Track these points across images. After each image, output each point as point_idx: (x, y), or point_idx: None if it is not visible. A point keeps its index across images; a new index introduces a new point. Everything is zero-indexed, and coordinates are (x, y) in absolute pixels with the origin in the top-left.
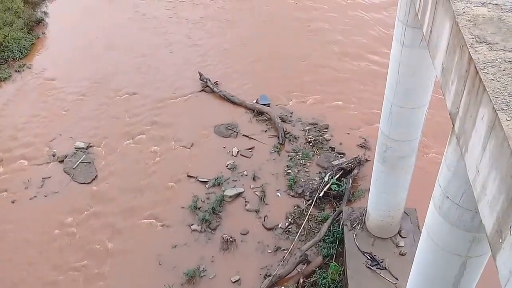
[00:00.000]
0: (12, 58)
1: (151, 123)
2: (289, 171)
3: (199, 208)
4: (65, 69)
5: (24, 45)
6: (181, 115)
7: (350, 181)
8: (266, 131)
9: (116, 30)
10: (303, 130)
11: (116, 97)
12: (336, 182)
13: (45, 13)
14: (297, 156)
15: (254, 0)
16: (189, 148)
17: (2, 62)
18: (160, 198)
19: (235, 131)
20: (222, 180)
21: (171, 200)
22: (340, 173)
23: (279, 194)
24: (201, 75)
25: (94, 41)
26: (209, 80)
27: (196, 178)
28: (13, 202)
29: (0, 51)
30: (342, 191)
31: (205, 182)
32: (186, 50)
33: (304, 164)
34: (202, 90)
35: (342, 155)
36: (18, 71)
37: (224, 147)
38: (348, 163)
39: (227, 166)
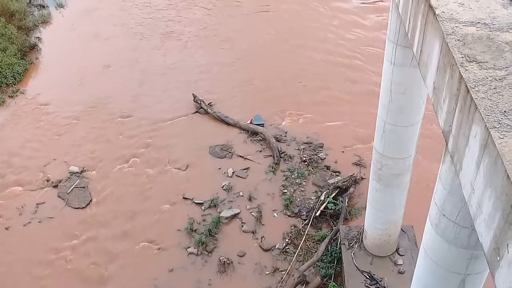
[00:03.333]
0: (6, 83)
1: (146, 146)
2: (285, 190)
3: (195, 231)
4: (59, 93)
5: (17, 71)
6: (176, 137)
7: (346, 200)
8: (261, 151)
9: (109, 54)
10: (298, 149)
11: (109, 120)
12: (333, 201)
13: (39, 38)
14: (293, 176)
15: (249, 21)
16: (184, 170)
17: None
18: (156, 221)
19: (230, 152)
20: (218, 201)
21: (167, 223)
22: (336, 192)
23: (275, 214)
24: (195, 97)
25: (87, 66)
26: (203, 102)
27: (192, 200)
28: (6, 229)
29: None
30: (338, 209)
31: (201, 204)
32: (180, 72)
33: (300, 184)
34: (196, 112)
35: (337, 174)
36: (12, 96)
37: (219, 168)
38: (343, 182)
39: (222, 187)
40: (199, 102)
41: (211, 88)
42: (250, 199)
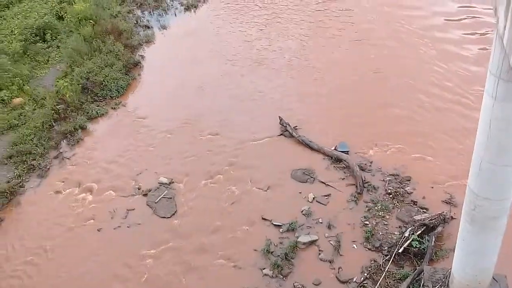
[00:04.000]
0: (110, 96)
1: (230, 164)
2: (367, 222)
3: (271, 252)
4: (156, 109)
5: (121, 85)
6: (259, 158)
7: (433, 239)
8: (343, 179)
9: (203, 75)
10: (383, 180)
11: (200, 137)
12: (418, 239)
13: (142, 56)
14: (376, 208)
15: (342, 52)
16: (265, 191)
17: (101, 99)
18: (234, 238)
19: (312, 177)
20: (297, 225)
21: (244, 241)
22: (422, 230)
23: (354, 245)
24: (281, 119)
25: (182, 85)
26: (289, 125)
27: (271, 221)
28: (98, 230)
29: (100, 89)
30: (423, 248)
31: (279, 226)
32: (268, 97)
33: (383, 217)
34: (281, 134)
35: (425, 210)
36: (114, 108)
37: (300, 192)
38: (431, 219)
39: (302, 211)
40: (284, 125)
41: (298, 113)
42: (329, 227)
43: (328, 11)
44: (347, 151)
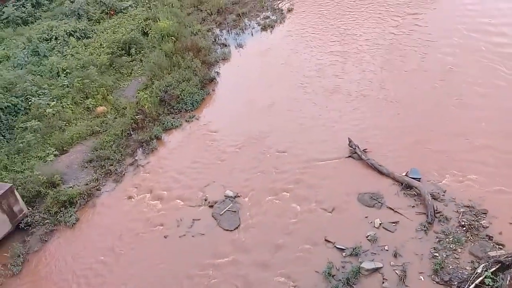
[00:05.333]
0: (185, 109)
1: (296, 182)
2: (436, 254)
3: (333, 276)
4: (227, 123)
5: (196, 99)
6: (325, 178)
7: (508, 278)
8: (413, 206)
9: (274, 94)
10: (457, 212)
11: (267, 154)
12: (491, 276)
13: (218, 73)
14: (447, 240)
15: (411, 71)
16: (330, 212)
17: (177, 112)
18: (295, 257)
19: (379, 202)
20: (361, 250)
21: (305, 261)
22: (497, 267)
23: (422, 277)
24: (350, 141)
25: (253, 102)
26: (358, 147)
27: (334, 244)
28: (165, 237)
29: (177, 103)
30: (497, 287)
31: (342, 250)
32: (337, 118)
33: (455, 250)
34: (350, 156)
35: (501, 247)
36: (188, 121)
37: (366, 217)
38: (507, 257)
39: (367, 237)
40: (353, 147)
41: (368, 136)
42: (395, 255)
43: (407, 39)
44: (419, 178)
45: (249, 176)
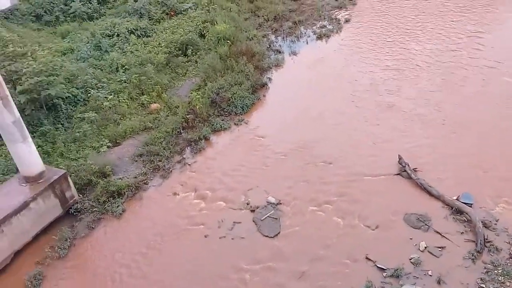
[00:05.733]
0: (235, 112)
1: (340, 195)
2: (483, 285)
3: None
4: (275, 129)
5: (246, 103)
6: (371, 194)
7: None
8: (462, 233)
9: (326, 103)
10: (509, 243)
11: (312, 163)
12: None
13: (269, 78)
14: (495, 271)
15: (471, 94)
16: (373, 230)
17: (227, 114)
18: (333, 272)
19: (426, 225)
20: (402, 273)
21: (343, 278)
22: None
23: None
24: (400, 158)
25: (304, 110)
26: (408, 165)
27: (374, 263)
28: (205, 237)
29: (227, 105)
30: None
31: (383, 270)
32: (389, 131)
33: (503, 282)
34: (398, 174)
35: None
36: (237, 124)
37: (411, 239)
38: None
39: (410, 259)
40: (403, 164)
41: (420, 154)
42: (439, 282)
43: (469, 60)
44: (471, 204)
45: (292, 184)
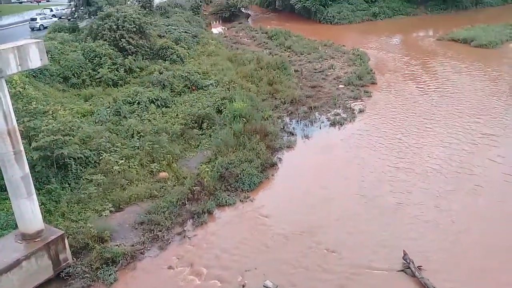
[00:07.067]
0: (242, 189)
1: (340, 287)
2: None
3: None
4: (280, 210)
5: (254, 181)
6: None
7: None
8: None
9: (331, 189)
10: None
11: (315, 249)
12: None
13: (280, 159)
14: None
15: (483, 204)
16: None
17: (233, 190)
18: None
19: None
20: None
21: None
22: None
23: None
24: (405, 254)
25: (312, 194)
26: (413, 262)
27: None
28: None
29: (235, 181)
30: None
31: None
32: (398, 223)
33: None
34: (402, 270)
35: None
36: (242, 201)
37: None
38: None
39: None
40: (408, 261)
41: (429, 253)
42: None
43: (483, 169)
44: None
45: (292, 270)
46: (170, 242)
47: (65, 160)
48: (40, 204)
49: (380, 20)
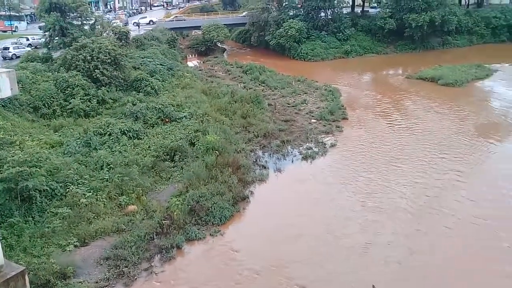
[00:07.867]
0: (212, 223)
1: None
2: None
3: None
4: (250, 245)
5: (225, 215)
6: None
7: None
8: None
9: (303, 225)
10: None
11: (285, 285)
12: None
13: (252, 192)
14: None
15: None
16: None
17: (204, 224)
18: None
19: None
20: None
21: None
22: None
23: None
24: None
25: (284, 229)
26: None
27: None
28: None
29: (206, 214)
30: None
31: None
32: (367, 263)
33: None
34: None
35: None
36: (212, 235)
37: None
38: None
39: None
40: None
41: None
42: None
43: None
44: None
45: None
46: (136, 279)
47: (30, 192)
48: (1, 238)
49: (352, 58)
